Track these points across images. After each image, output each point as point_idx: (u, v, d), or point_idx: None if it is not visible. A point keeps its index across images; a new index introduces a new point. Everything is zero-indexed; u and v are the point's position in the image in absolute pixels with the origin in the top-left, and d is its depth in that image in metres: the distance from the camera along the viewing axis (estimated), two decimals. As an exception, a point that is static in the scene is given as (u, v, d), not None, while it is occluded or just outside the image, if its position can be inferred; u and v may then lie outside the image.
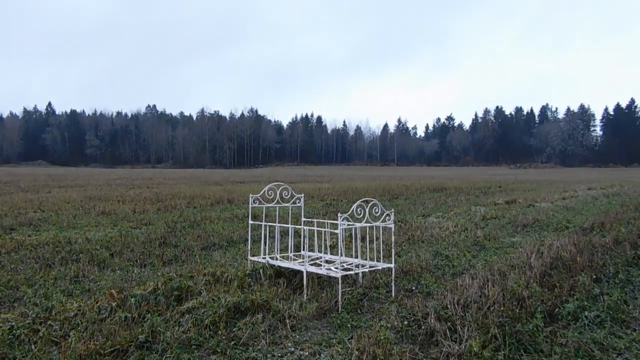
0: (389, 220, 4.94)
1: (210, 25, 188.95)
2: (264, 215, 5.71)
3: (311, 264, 5.09)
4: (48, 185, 23.84)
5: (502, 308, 3.96)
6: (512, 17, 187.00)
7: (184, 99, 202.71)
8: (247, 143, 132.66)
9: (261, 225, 5.60)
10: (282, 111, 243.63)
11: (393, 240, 5.11)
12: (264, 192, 5.56)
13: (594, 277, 5.35)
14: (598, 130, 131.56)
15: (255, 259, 5.47)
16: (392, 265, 4.94)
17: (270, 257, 5.41)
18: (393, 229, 5.06)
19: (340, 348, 3.43)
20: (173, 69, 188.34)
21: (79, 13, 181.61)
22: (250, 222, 5.74)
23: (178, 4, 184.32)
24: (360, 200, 4.79)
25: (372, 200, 4.83)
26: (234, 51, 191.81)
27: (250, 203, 5.60)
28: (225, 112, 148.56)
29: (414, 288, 5.11)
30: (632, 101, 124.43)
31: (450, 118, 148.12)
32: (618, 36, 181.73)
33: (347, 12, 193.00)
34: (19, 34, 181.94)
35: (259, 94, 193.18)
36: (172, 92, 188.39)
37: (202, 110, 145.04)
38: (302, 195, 5.96)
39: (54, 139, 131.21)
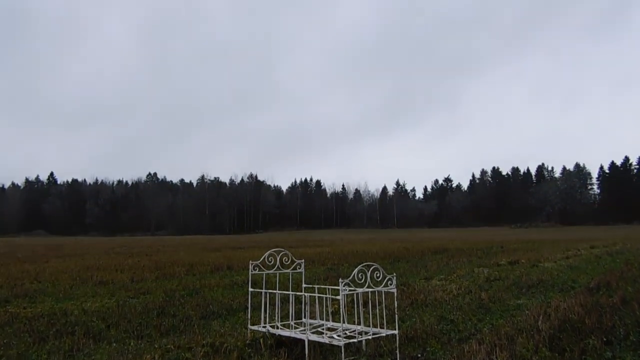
0: (391, 284, 4.86)
1: (212, 96, 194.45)
2: (264, 282, 5.62)
3: (313, 332, 4.95)
4: (46, 256, 23.61)
5: (512, 375, 3.82)
6: (512, 82, 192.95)
7: (185, 166, 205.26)
8: (246, 209, 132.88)
9: (261, 292, 5.50)
10: (281, 176, 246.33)
11: (396, 305, 5.00)
12: (264, 258, 5.50)
13: (605, 339, 5.19)
14: (595, 188, 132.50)
15: (255, 327, 5.32)
16: (396, 332, 4.81)
17: (270, 326, 5.27)
18: (395, 294, 4.96)
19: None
20: (175, 138, 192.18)
21: (84, 86, 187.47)
22: (250, 289, 5.64)
23: (186, 75, 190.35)
24: (362, 265, 4.73)
25: (373, 265, 4.77)
26: (234, 119, 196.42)
27: (250, 270, 5.53)
28: (225, 178, 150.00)
29: (419, 355, 4.94)
30: (627, 159, 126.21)
31: (448, 179, 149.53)
32: (608, 97, 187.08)
33: (355, 79, 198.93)
34: (25, 106, 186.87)
35: (258, 160, 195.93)
36: (173, 160, 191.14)
37: (202, 177, 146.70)
38: (303, 261, 5.90)
39: (54, 208, 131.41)
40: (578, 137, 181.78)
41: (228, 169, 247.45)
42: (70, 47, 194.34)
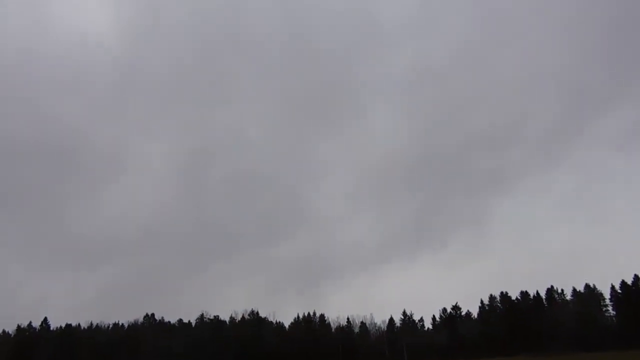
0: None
1: (223, 233, 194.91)
2: None
3: None
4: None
5: None
6: (518, 205, 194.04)
7: (184, 305, 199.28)
8: (247, 347, 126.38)
9: None
10: (283, 311, 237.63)
11: None
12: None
13: None
14: (610, 310, 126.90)
15: None
16: None
17: None
18: None
19: None
20: (175, 277, 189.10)
21: (100, 226, 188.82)
22: None
23: (206, 209, 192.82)
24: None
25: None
26: (240, 255, 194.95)
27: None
28: (225, 316, 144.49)
29: None
30: (637, 277, 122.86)
31: (456, 307, 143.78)
32: (613, 216, 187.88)
33: (364, 207, 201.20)
34: (32, 251, 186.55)
35: (260, 295, 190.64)
36: (173, 299, 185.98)
37: (202, 316, 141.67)
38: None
39: (45, 357, 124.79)
40: (584, 257, 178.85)
41: (228, 306, 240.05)
42: (98, 188, 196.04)
